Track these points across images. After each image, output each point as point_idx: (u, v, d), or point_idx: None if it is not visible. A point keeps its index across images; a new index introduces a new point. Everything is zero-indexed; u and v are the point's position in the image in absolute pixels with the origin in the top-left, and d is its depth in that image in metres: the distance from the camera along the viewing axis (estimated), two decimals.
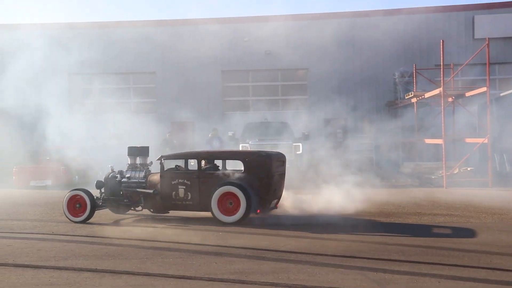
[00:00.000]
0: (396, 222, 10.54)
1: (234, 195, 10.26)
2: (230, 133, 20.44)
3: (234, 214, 10.28)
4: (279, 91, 26.54)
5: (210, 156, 11.44)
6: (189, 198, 10.75)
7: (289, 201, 11.96)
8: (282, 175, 11.39)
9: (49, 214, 12.19)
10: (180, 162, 11.53)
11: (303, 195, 12.67)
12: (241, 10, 59.49)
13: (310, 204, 11.69)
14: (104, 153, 18.96)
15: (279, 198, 11.38)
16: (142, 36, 25.83)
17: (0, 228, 10.31)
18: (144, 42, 25.81)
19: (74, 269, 6.89)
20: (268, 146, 18.61)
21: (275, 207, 11.32)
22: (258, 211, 10.45)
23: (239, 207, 10.22)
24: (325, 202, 11.78)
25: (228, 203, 10.35)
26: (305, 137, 19.61)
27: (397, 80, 24.40)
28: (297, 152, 18.91)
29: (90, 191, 11.25)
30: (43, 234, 9.59)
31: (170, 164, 11.45)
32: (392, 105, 24.59)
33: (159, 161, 11.26)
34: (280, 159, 11.34)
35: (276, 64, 26.00)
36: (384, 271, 6.57)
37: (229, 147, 20.32)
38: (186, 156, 11.40)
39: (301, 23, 25.74)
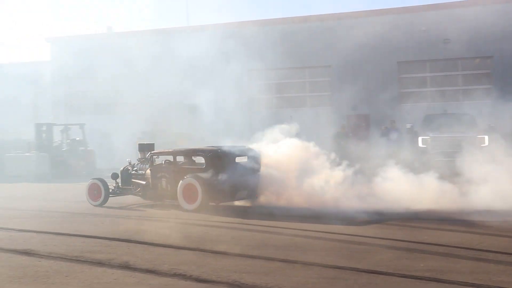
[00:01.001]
0: None
1: (194, 186, 11.55)
2: (408, 126, 19.87)
3: (194, 203, 11.60)
4: (460, 81, 25.11)
5: (181, 153, 12.81)
6: (169, 189, 12.33)
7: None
8: (251, 169, 12.03)
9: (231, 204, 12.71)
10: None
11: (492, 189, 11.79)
12: None
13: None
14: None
15: (251, 190, 12.01)
16: (318, 30, 26.09)
17: (197, 216, 11.10)
18: (320, 36, 26.03)
19: (266, 259, 7.14)
20: (449, 139, 17.73)
21: (254, 198, 12.26)
22: (218, 202, 11.77)
23: (198, 197, 11.53)
24: None
25: (191, 193, 11.64)
26: (492, 129, 18.29)
27: None
28: (482, 145, 17.72)
29: (106, 180, 13.21)
30: (232, 223, 10.12)
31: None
32: None
33: (149, 157, 13.00)
34: (246, 154, 12.27)
35: (456, 53, 24.61)
36: None
37: (407, 139, 19.71)
38: (165, 153, 13.07)
39: (482, 8, 24.04)
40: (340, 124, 22.84)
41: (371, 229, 9.10)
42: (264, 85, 27.03)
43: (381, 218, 10.14)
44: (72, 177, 21.51)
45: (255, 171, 12.14)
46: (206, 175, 11.64)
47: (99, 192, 13.03)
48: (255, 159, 12.29)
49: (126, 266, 6.82)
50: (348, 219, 10.09)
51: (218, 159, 11.85)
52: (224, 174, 11.55)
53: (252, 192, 12.16)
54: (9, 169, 22.73)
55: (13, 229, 9.76)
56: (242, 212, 11.52)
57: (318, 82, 26.93)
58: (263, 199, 12.42)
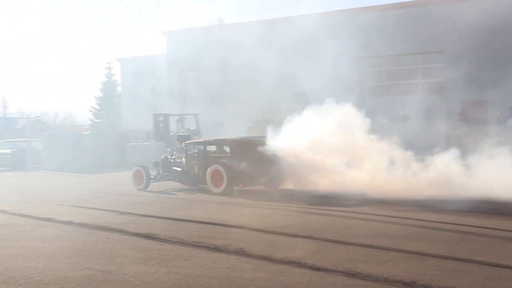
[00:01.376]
0: None
1: (220, 172, 13.16)
2: None
3: (220, 187, 13.20)
4: None
5: (210, 143, 14.37)
6: (200, 174, 14.02)
7: None
8: (272, 157, 12.79)
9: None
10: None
11: None
12: None
13: None
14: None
15: (272, 176, 12.95)
16: (431, 14, 25.09)
17: (287, 203, 11.18)
18: (433, 20, 25.02)
19: (381, 248, 7.02)
20: None
21: (277, 183, 13.24)
22: (241, 185, 13.18)
23: (223, 181, 13.11)
24: None
25: (218, 178, 13.27)
26: None
27: None
28: None
29: (147, 167, 15.02)
30: (345, 212, 10.07)
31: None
32: None
33: (184, 146, 14.83)
34: (268, 144, 13.09)
35: None
36: None
37: None
38: (197, 143, 14.82)
39: None
40: (455, 112, 21.85)
41: (491, 220, 8.68)
42: (374, 72, 26.49)
43: (496, 208, 9.63)
44: None
45: (276, 159, 12.89)
46: (230, 162, 13.20)
47: (142, 178, 14.80)
48: (276, 148, 13.12)
49: (241, 252, 6.99)
50: (459, 208, 9.70)
51: (241, 148, 13.38)
52: (246, 161, 12.94)
53: (273, 178, 13.18)
54: (130, 157, 24.11)
55: (137, 214, 10.34)
56: (322, 199, 11.52)
57: (430, 68, 25.92)
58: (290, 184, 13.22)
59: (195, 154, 14.51)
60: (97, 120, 44.38)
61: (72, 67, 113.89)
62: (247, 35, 26.23)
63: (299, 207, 10.80)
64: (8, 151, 26.72)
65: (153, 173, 15.17)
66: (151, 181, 14.94)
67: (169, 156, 15.50)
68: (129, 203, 12.16)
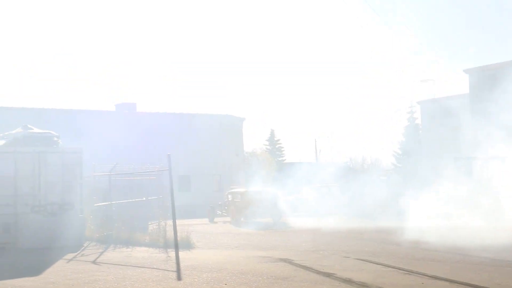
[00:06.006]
0: None
1: (234, 209, 23.14)
2: None
3: (234, 218, 23.25)
4: None
5: (236, 192, 23.98)
6: (229, 211, 23.90)
7: None
8: (268, 200, 22.37)
9: None
10: None
11: None
12: None
13: None
14: None
15: (268, 212, 22.04)
16: None
17: None
18: None
19: None
20: None
21: (275, 218, 22.32)
22: (246, 218, 22.35)
23: (236, 215, 22.98)
24: None
25: (234, 213, 22.94)
26: None
27: None
28: None
29: (215, 207, 25.57)
30: None
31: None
32: None
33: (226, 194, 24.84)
34: (265, 193, 23.18)
35: None
36: None
37: None
38: (228, 193, 24.89)
39: None
40: None
41: None
42: None
43: None
44: None
45: (272, 202, 21.82)
46: (237, 203, 22.14)
47: (210, 213, 24.14)
48: (273, 195, 22.37)
49: None
50: None
51: (242, 195, 22.35)
52: (246, 203, 21.45)
53: (269, 213, 21.67)
54: None
55: (426, 275, 8.97)
56: None
57: None
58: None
59: (229, 199, 23.22)
60: (399, 165, 43.61)
61: (377, 111, 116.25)
62: None
63: None
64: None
65: (219, 211, 24.12)
66: (217, 216, 23.94)
67: (227, 199, 23.61)
68: (419, 259, 10.83)
